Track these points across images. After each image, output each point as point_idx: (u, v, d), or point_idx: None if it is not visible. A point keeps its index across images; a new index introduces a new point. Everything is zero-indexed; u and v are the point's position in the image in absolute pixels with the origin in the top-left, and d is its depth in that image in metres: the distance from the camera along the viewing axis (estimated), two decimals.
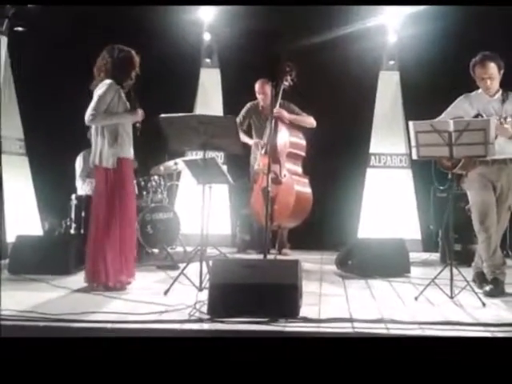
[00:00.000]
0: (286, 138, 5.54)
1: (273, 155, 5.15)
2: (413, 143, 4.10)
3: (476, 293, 3.83)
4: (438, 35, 5.98)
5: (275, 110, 5.42)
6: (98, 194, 4.10)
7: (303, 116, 5.75)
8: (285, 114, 5.62)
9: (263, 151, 5.62)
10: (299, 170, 5.69)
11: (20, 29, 5.78)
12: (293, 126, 5.69)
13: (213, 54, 6.69)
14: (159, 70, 6.03)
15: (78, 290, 4.02)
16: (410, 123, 4.07)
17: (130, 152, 4.12)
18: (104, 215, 4.00)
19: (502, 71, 4.13)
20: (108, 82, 4.01)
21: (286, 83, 5.50)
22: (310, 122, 5.75)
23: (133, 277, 4.13)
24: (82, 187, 5.67)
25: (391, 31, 6.38)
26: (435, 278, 3.96)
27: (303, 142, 5.68)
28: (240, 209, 6.35)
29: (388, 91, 6.60)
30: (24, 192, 5.99)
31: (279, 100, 5.59)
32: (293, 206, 5.43)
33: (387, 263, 4.76)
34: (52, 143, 6.06)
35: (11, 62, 5.90)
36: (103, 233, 3.99)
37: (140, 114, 4.14)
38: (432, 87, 6.01)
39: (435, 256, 5.77)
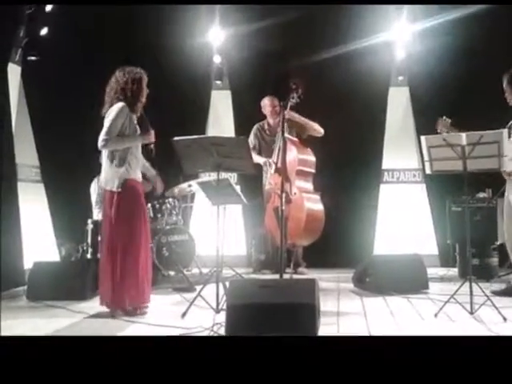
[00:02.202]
0: (294, 155, 5.55)
1: (283, 174, 5.15)
2: (426, 158, 4.10)
3: (497, 308, 3.77)
4: (446, 50, 6.01)
5: (285, 113, 5.46)
6: (107, 217, 4.06)
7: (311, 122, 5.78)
8: (294, 114, 5.66)
9: (273, 170, 5.64)
10: (310, 187, 5.67)
11: (33, 58, 5.88)
12: (301, 143, 5.71)
13: (223, 76, 6.75)
14: (171, 93, 6.10)
15: (96, 316, 4.02)
16: (423, 138, 4.07)
17: (136, 174, 4.12)
18: (111, 238, 3.99)
19: None
20: (119, 105, 4.01)
21: (293, 100, 5.53)
22: (318, 127, 5.79)
23: (148, 301, 4.10)
24: (98, 212, 5.71)
25: (399, 47, 6.40)
26: (454, 293, 3.92)
27: (312, 159, 5.69)
28: (255, 228, 6.35)
29: (398, 107, 6.60)
30: (40, 219, 6.03)
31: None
32: (304, 224, 5.40)
33: (405, 279, 4.71)
34: (67, 169, 6.13)
35: (25, 91, 5.99)
36: (114, 257, 3.96)
37: (151, 136, 4.15)
38: (442, 101, 6.01)
39: (453, 271, 5.71)
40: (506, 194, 4.51)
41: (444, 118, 4.58)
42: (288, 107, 5.51)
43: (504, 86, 4.50)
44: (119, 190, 3.98)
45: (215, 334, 3.37)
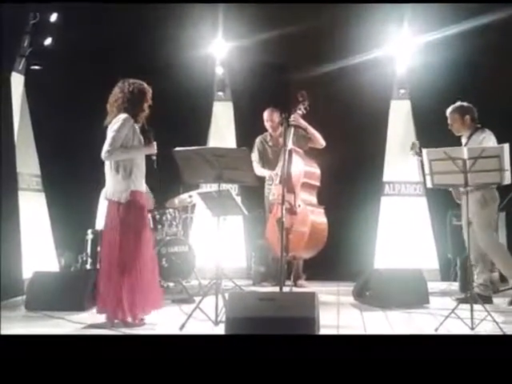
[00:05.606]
0: (300, 167, 5.52)
1: (287, 185, 5.13)
2: (427, 171, 4.10)
3: (497, 322, 3.75)
4: (447, 63, 6.03)
5: (292, 118, 5.44)
6: (111, 228, 4.04)
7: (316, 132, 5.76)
8: (301, 120, 5.63)
9: (277, 181, 5.61)
10: (314, 200, 5.65)
11: (36, 67, 5.92)
12: (307, 155, 5.70)
13: (225, 88, 6.77)
14: (173, 104, 6.12)
15: (95, 326, 3.99)
16: (424, 151, 4.08)
17: (141, 185, 4.12)
18: (118, 250, 3.96)
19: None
20: (123, 116, 4.01)
21: (300, 112, 5.54)
22: (321, 140, 5.75)
23: (159, 307, 4.11)
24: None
25: (400, 61, 6.42)
26: (455, 308, 3.90)
27: (318, 172, 5.65)
28: (255, 240, 6.33)
29: (400, 120, 6.60)
30: (40, 228, 6.02)
31: (292, 130, 5.61)
32: (308, 237, 5.37)
33: (405, 294, 4.69)
34: (68, 179, 6.13)
35: (28, 100, 6.01)
36: (119, 268, 3.95)
37: (154, 147, 4.15)
38: (443, 115, 5.99)
39: (454, 286, 5.68)
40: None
41: (413, 142, 5.05)
42: (297, 114, 5.52)
43: (449, 115, 4.89)
44: (125, 201, 3.97)
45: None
